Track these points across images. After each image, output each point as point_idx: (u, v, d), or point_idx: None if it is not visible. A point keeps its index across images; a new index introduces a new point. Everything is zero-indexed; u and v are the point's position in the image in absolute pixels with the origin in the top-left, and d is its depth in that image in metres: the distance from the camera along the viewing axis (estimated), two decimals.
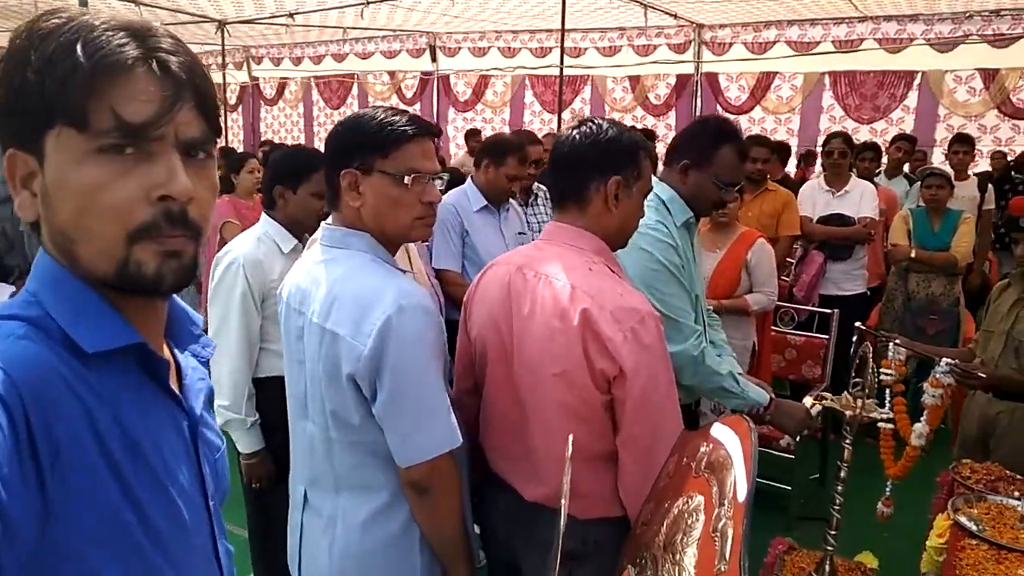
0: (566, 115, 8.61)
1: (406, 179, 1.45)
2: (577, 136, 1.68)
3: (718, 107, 9.24)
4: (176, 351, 0.90)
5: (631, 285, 1.68)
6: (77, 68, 0.70)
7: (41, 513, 0.66)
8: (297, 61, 11.67)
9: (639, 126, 9.23)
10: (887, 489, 2.24)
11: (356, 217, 1.51)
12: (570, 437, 1.16)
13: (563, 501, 1.06)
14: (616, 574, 1.44)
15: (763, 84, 8.85)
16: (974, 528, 1.95)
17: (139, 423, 0.77)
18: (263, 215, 2.49)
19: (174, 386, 0.85)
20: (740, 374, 2.26)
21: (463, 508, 1.59)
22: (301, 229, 2.42)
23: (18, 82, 0.71)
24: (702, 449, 1.35)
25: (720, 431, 1.33)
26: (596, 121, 1.70)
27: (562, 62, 6.72)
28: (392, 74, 11.36)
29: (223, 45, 9.01)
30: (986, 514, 2.04)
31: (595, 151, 1.66)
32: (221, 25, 8.78)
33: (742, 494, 1.12)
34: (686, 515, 1.25)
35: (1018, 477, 2.24)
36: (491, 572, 1.88)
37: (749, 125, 9.10)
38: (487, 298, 1.71)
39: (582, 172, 1.67)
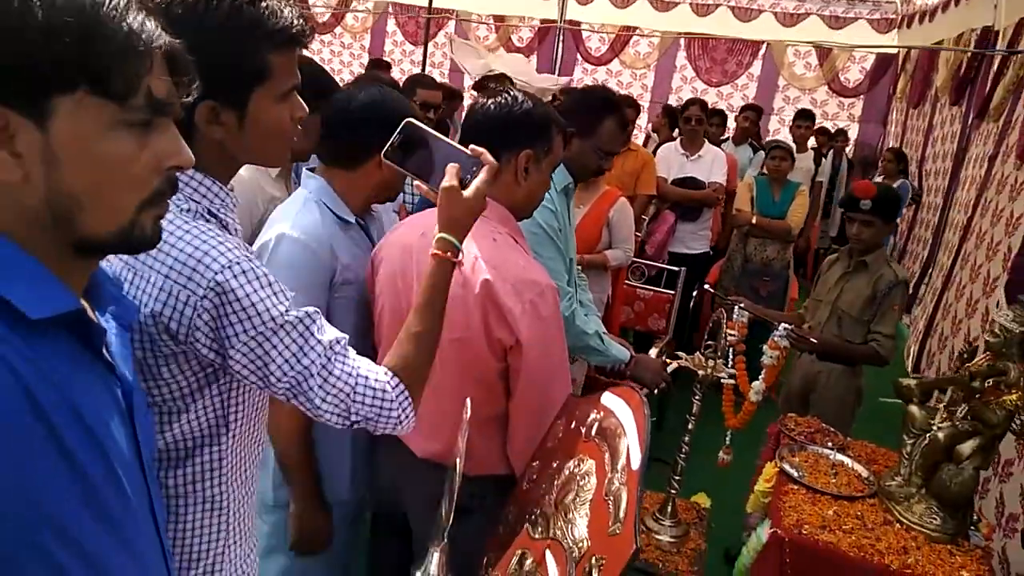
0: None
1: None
2: (492, 106, 1.68)
3: (579, 56, 9.41)
4: (97, 314, 0.86)
5: (532, 255, 1.74)
6: (132, 48, 0.73)
7: None
8: None
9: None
10: (727, 438, 2.49)
11: None
12: (467, 401, 1.21)
13: (458, 461, 1.12)
14: (504, 527, 1.54)
15: (623, 38, 9.09)
16: (795, 475, 2.23)
17: (77, 389, 0.75)
18: None
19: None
20: (604, 333, 2.42)
21: (301, 433, 1.66)
22: None
23: (28, 37, 0.67)
24: (592, 415, 1.46)
25: (610, 400, 1.44)
26: (512, 93, 1.70)
27: None
28: None
29: None
30: (805, 462, 2.33)
31: (509, 123, 1.67)
32: None
33: (636, 462, 1.23)
34: (578, 477, 1.37)
35: (831, 429, 2.57)
36: (375, 523, 1.94)
37: (607, 77, 9.37)
38: (388, 259, 1.72)
39: (494, 143, 1.64)
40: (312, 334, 1.08)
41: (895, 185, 5.70)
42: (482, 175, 1.27)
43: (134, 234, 0.78)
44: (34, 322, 0.71)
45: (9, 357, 0.68)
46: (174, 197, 1.00)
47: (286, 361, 1.05)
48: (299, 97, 1.14)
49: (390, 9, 9.94)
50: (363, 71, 8.39)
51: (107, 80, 0.72)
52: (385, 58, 9.91)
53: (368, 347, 1.76)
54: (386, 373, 1.15)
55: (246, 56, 1.05)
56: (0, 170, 0.71)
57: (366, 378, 1.11)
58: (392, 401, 1.13)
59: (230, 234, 1.12)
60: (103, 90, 0.72)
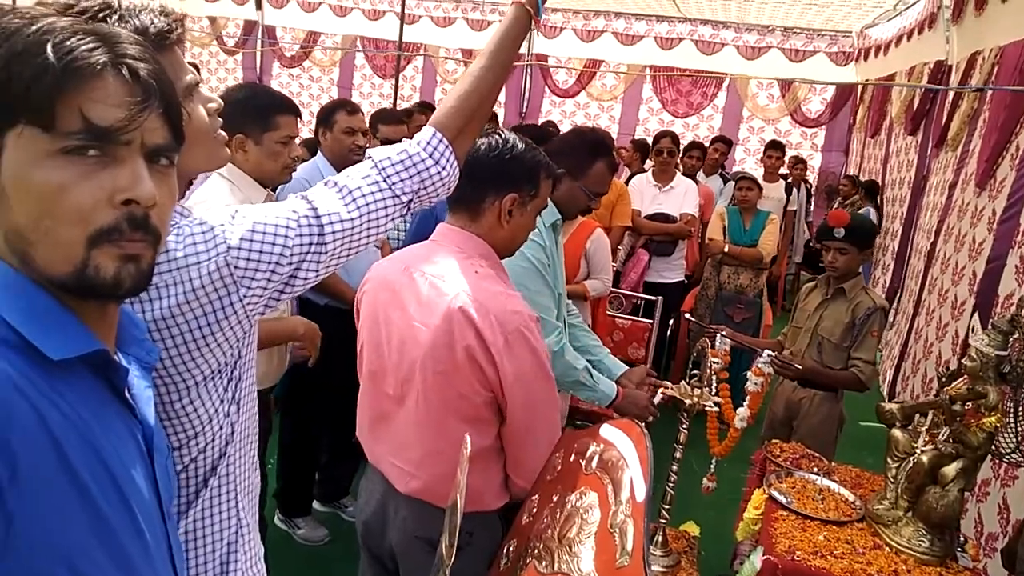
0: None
1: None
2: (482, 147, 1.69)
3: (546, 88, 9.55)
4: (120, 356, 0.86)
5: (514, 289, 1.75)
6: (47, 68, 0.69)
7: (3, 529, 0.64)
8: None
9: None
10: (711, 466, 2.51)
11: None
12: (467, 437, 1.21)
13: (459, 497, 1.12)
14: (505, 561, 1.53)
15: (589, 72, 9.25)
16: (784, 501, 2.25)
17: (100, 434, 0.75)
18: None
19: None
20: (592, 369, 2.44)
21: None
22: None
23: None
24: (592, 448, 1.47)
25: (610, 432, 1.45)
26: (504, 135, 1.72)
27: (402, 29, 6.64)
28: (213, 20, 10.57)
29: None
30: (793, 488, 2.35)
31: (497, 165, 1.68)
32: None
33: (640, 495, 1.24)
34: (581, 510, 1.36)
35: (815, 455, 2.61)
36: (367, 562, 1.91)
37: (575, 109, 9.51)
38: (370, 295, 1.72)
39: (480, 183, 1.68)
40: (328, 192, 1.12)
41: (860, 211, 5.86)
42: None
43: (88, 274, 0.73)
44: (57, 363, 0.71)
45: (34, 399, 0.68)
46: None
47: (340, 216, 1.09)
48: (203, 91, 1.15)
49: (359, 44, 10.00)
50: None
51: (33, 107, 0.70)
52: (354, 91, 9.98)
53: None
54: (411, 140, 1.20)
55: None
56: None
57: (388, 158, 1.16)
58: (423, 159, 1.18)
59: None
60: (34, 120, 0.70)
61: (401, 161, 1.17)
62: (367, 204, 1.12)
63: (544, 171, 1.76)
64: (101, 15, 0.97)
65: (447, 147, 1.21)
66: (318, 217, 1.08)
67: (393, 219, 1.16)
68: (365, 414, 1.82)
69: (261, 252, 1.03)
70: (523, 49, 9.17)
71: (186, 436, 1.07)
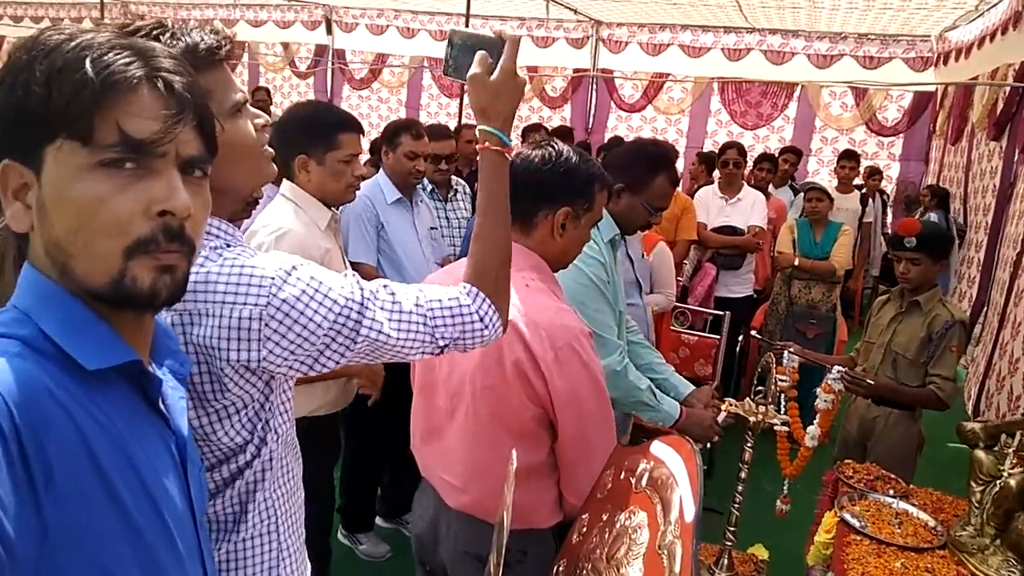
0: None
1: None
2: (535, 159, 1.66)
3: (612, 104, 9.49)
4: (154, 367, 0.87)
5: (566, 303, 1.71)
6: (86, 83, 0.71)
7: (40, 537, 0.65)
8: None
9: (535, 117, 9.35)
10: (784, 487, 2.40)
11: None
12: (513, 453, 1.18)
13: (506, 515, 1.09)
14: None
15: (656, 85, 9.16)
16: (857, 525, 2.13)
17: (134, 444, 0.76)
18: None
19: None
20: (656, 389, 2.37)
21: None
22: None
23: (20, 94, 0.71)
24: (642, 465, 1.41)
25: (660, 449, 1.39)
26: (558, 146, 1.68)
27: None
28: (286, 46, 10.94)
29: (101, 1, 8.39)
30: (867, 511, 2.23)
31: (550, 178, 1.65)
32: None
33: (689, 514, 1.18)
34: (629, 530, 1.31)
35: (892, 476, 2.47)
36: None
37: (641, 124, 9.42)
38: None
39: (533, 196, 1.65)
40: (376, 295, 1.10)
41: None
42: (505, 52, 1.20)
43: (125, 285, 0.75)
44: (93, 373, 0.73)
45: (70, 408, 0.70)
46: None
47: (380, 328, 1.08)
48: (252, 108, 1.14)
49: (425, 63, 10.17)
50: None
51: (72, 121, 0.71)
52: (421, 111, 10.14)
53: None
54: (462, 288, 1.18)
55: None
56: (19, 222, 0.75)
57: (439, 301, 1.14)
58: (472, 313, 1.16)
59: None
60: (73, 134, 0.71)
61: (450, 308, 1.15)
62: (407, 332, 1.11)
63: (599, 183, 1.72)
64: (154, 33, 0.99)
65: (493, 310, 1.19)
66: (361, 314, 1.07)
67: (424, 355, 1.15)
68: (417, 428, 1.81)
69: (297, 320, 1.02)
70: (588, 63, 9.19)
71: (216, 459, 1.08)
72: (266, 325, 1.00)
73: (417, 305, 1.12)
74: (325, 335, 1.03)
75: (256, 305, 0.99)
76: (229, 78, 1.10)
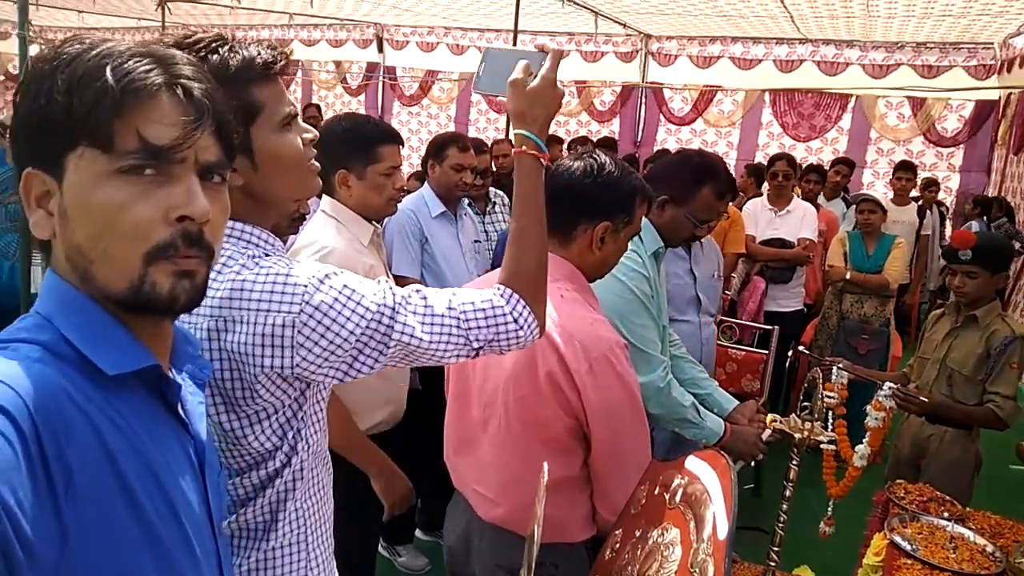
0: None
1: None
2: (576, 170, 1.65)
3: (661, 117, 9.43)
4: (174, 372, 0.88)
5: (602, 314, 1.69)
6: (106, 91, 0.72)
7: (59, 540, 0.65)
8: None
9: (583, 131, 9.34)
10: (829, 508, 2.33)
11: None
12: (544, 465, 1.16)
13: (536, 528, 1.07)
14: None
15: (706, 97, 9.06)
16: (908, 548, 2.05)
17: (153, 448, 0.77)
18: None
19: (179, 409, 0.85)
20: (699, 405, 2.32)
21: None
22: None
23: (43, 103, 0.73)
24: (676, 481, 1.38)
25: (696, 464, 1.36)
26: (599, 158, 1.67)
27: None
28: (338, 64, 11.17)
29: (163, 23, 8.69)
30: (919, 534, 2.14)
31: (591, 191, 1.63)
32: (162, 2, 8.46)
33: (722, 532, 1.15)
34: (662, 547, 1.28)
35: (947, 498, 2.37)
36: None
37: (691, 137, 9.33)
38: None
39: (573, 210, 1.63)
40: (408, 300, 1.10)
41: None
42: (547, 63, 1.22)
43: (145, 290, 0.75)
44: (112, 377, 0.74)
45: (90, 413, 0.70)
46: (231, 251, 1.02)
47: (413, 332, 1.08)
48: (303, 123, 1.15)
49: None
50: None
51: (93, 129, 0.72)
52: (470, 127, 10.21)
53: None
54: (496, 289, 1.17)
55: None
56: (42, 229, 0.76)
57: (472, 303, 1.13)
58: (506, 315, 1.15)
59: None
60: (94, 141, 0.72)
61: (483, 310, 1.15)
62: (440, 336, 1.11)
63: (640, 196, 1.70)
64: (214, 46, 1.03)
65: (528, 311, 1.18)
66: (393, 319, 1.07)
67: (459, 357, 1.15)
68: (451, 438, 1.81)
69: (330, 327, 1.03)
70: (637, 77, 9.14)
71: (246, 463, 1.10)
72: (299, 332, 1.01)
73: (450, 308, 1.12)
74: (357, 340, 1.04)
75: (289, 313, 1.01)
76: (282, 92, 1.12)
